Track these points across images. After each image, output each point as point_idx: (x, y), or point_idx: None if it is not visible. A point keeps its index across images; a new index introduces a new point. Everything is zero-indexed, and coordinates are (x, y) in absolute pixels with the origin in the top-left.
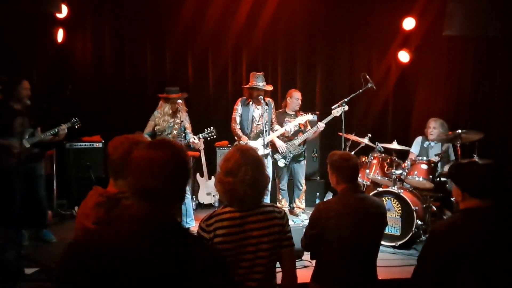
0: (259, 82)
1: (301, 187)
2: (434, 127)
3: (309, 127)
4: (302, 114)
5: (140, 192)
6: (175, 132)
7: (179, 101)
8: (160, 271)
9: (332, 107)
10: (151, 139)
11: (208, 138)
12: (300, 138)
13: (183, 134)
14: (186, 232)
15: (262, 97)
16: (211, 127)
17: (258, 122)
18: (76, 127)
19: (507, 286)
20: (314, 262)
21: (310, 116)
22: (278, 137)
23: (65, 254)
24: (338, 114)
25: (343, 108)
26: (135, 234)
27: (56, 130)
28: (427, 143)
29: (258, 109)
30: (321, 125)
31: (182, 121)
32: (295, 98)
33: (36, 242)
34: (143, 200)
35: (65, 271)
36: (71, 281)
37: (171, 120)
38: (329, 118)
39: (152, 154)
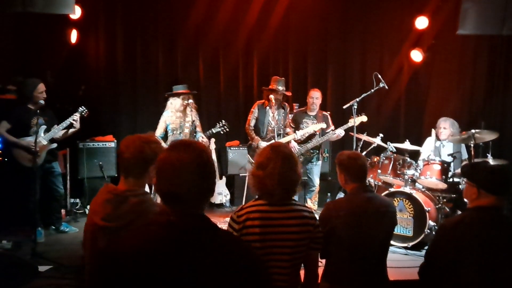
0: (279, 86)
1: (313, 187)
2: (444, 127)
3: (329, 129)
4: (323, 114)
5: (166, 197)
6: (186, 130)
7: (190, 101)
8: (192, 274)
9: (344, 107)
10: (163, 141)
11: (221, 132)
12: (313, 142)
13: (194, 133)
14: (217, 231)
15: (274, 96)
16: (223, 121)
17: (273, 125)
18: (85, 115)
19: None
20: (324, 261)
21: (323, 125)
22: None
23: (101, 259)
24: (356, 124)
25: (362, 119)
26: (165, 239)
27: (68, 122)
28: (438, 143)
29: (274, 112)
30: (341, 132)
31: (193, 120)
32: (310, 97)
33: (52, 239)
34: (169, 204)
35: (99, 276)
36: (106, 284)
37: (182, 118)
38: (346, 126)
39: (175, 157)
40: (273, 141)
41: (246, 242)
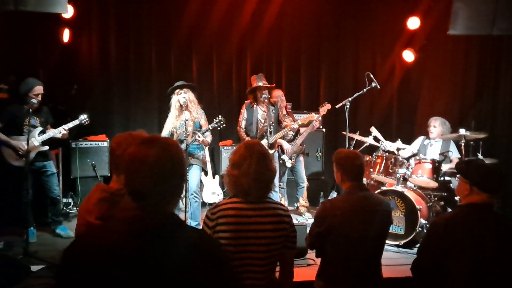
0: (260, 82)
1: (302, 184)
2: (434, 125)
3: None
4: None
5: (133, 192)
6: (189, 129)
7: (187, 95)
8: (152, 271)
9: (336, 106)
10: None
11: (218, 128)
12: (301, 138)
13: (199, 131)
14: (185, 228)
15: (266, 96)
16: (219, 116)
17: (263, 123)
18: (85, 124)
19: (504, 282)
20: (318, 260)
21: (313, 114)
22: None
23: (65, 252)
24: (324, 113)
25: (327, 107)
26: (130, 235)
27: (61, 129)
28: (427, 141)
29: (262, 110)
30: (318, 121)
31: (196, 118)
32: (275, 97)
33: (44, 239)
34: (136, 200)
35: (63, 269)
36: (69, 279)
37: (182, 117)
38: (320, 115)
39: (143, 153)
40: (264, 139)
41: (217, 241)
